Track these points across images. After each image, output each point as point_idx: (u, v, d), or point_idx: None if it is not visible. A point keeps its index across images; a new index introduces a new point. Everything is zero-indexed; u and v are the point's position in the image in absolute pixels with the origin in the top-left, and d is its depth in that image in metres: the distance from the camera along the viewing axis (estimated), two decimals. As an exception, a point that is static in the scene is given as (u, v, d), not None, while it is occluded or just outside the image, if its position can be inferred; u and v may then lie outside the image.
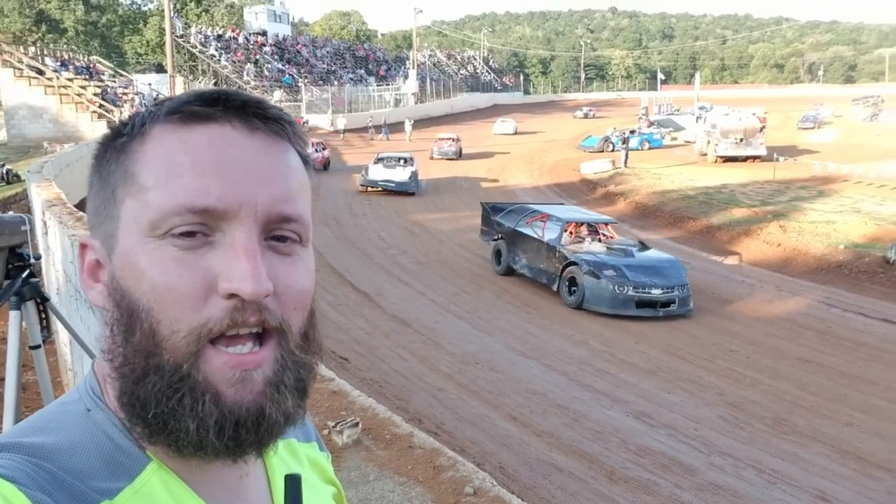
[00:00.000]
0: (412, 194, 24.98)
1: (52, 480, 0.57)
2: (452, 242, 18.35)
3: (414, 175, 25.53)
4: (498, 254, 15.43)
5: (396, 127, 44.35)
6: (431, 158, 33.61)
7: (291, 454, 0.81)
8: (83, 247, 0.69)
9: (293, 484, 0.71)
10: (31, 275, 2.53)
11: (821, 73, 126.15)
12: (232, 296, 0.60)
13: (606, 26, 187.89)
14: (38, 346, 2.61)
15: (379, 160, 26.66)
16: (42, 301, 2.60)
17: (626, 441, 7.86)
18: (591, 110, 64.48)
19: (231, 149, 0.63)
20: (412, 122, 45.02)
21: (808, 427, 8.50)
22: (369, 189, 25.40)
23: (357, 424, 4.32)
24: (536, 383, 9.45)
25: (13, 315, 2.52)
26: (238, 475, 0.70)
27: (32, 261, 2.51)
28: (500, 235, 15.52)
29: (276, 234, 0.64)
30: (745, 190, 24.48)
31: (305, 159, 0.71)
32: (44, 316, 2.61)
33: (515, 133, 47.51)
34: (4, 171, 23.97)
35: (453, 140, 35.79)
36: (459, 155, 34.78)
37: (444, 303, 13.18)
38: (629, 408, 8.83)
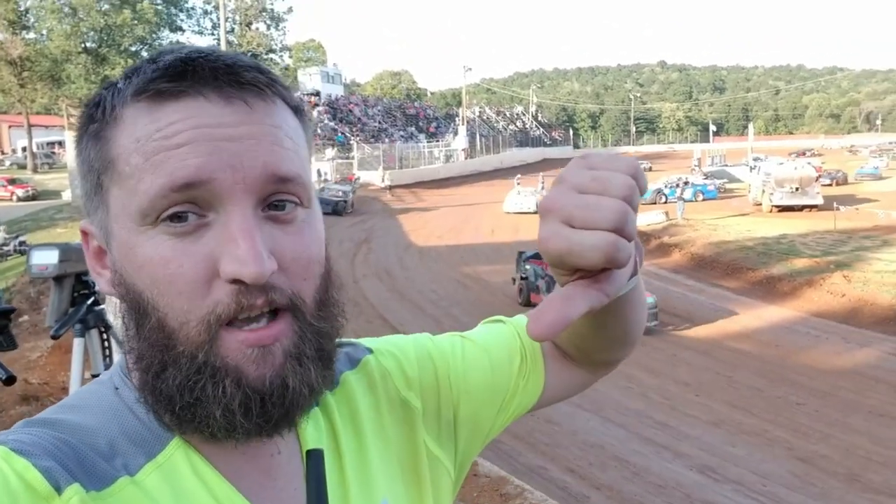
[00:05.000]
0: None
1: (72, 454, 0.57)
2: (504, 294, 18.22)
3: None
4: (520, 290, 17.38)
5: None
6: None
7: (325, 414, 0.75)
8: (84, 234, 0.67)
9: (314, 460, 0.67)
10: (96, 302, 2.55)
11: (879, 121, 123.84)
12: (235, 280, 0.57)
13: (656, 80, 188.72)
14: (98, 375, 2.60)
15: None
16: (105, 329, 2.61)
17: (691, 496, 7.54)
18: None
19: (207, 120, 0.58)
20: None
21: (885, 483, 8.04)
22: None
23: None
24: (594, 435, 9.18)
25: (77, 342, 2.53)
26: (269, 452, 0.67)
27: (97, 288, 2.52)
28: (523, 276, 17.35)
29: (274, 200, 0.60)
30: (805, 240, 23.83)
31: (297, 110, 0.66)
32: (107, 344, 2.62)
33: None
34: (17, 243, 22.95)
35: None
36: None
37: (498, 354, 12.99)
38: (692, 461, 8.50)
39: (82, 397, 0.65)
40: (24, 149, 54.90)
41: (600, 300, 0.57)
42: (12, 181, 42.99)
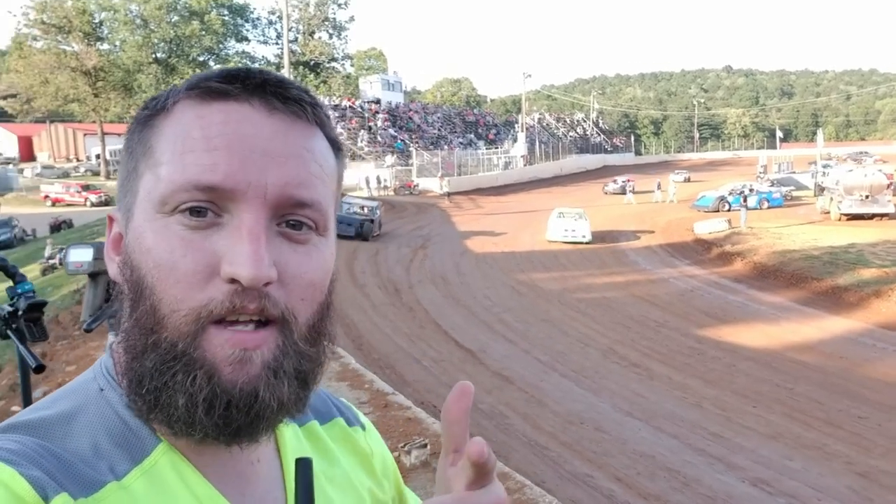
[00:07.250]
0: None
1: (57, 463, 0.57)
2: (559, 301, 18.10)
3: None
4: None
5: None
6: None
7: (312, 438, 0.79)
8: (110, 220, 0.69)
9: (304, 468, 0.67)
10: (129, 298, 2.64)
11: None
12: (233, 280, 0.59)
13: (721, 85, 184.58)
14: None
15: None
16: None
17: (741, 509, 7.36)
18: (628, 181, 45.51)
19: (246, 127, 0.61)
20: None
21: (951, 503, 7.70)
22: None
23: (426, 446, 4.38)
24: (644, 445, 9.04)
25: (111, 336, 2.65)
26: (249, 460, 0.69)
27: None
28: None
29: (291, 219, 0.63)
30: (874, 249, 22.98)
31: (334, 144, 0.69)
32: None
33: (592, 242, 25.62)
34: (63, 256, 24.20)
35: None
36: None
37: (550, 361, 12.93)
38: (745, 474, 8.28)
39: (65, 398, 0.65)
40: (97, 156, 57.15)
41: None
42: (86, 187, 44.98)
